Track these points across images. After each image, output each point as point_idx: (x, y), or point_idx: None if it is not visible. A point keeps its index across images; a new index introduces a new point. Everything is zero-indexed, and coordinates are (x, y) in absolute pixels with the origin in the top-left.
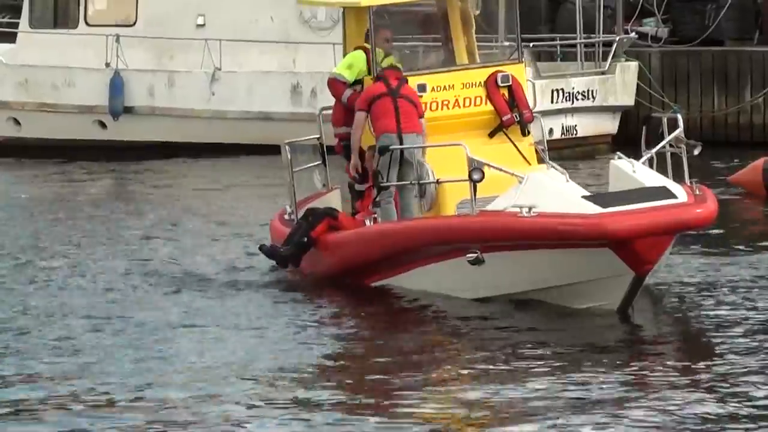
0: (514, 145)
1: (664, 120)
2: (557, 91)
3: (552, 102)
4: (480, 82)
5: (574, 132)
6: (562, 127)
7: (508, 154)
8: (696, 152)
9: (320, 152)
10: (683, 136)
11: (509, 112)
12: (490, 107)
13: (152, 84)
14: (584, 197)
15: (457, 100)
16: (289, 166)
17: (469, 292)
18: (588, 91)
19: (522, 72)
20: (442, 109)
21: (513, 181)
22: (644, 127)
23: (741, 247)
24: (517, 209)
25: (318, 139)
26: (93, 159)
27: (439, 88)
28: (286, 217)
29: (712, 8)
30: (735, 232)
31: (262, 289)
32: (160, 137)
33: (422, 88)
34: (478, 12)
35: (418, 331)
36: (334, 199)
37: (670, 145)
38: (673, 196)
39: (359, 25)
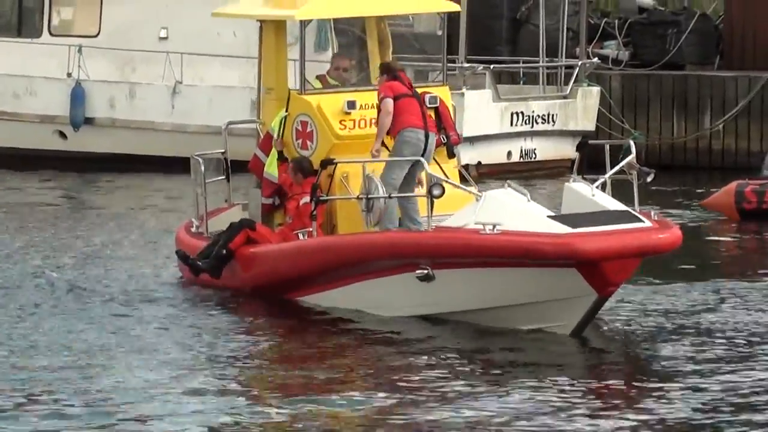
0: (440, 167)
1: (630, 145)
2: (517, 114)
3: (512, 125)
4: None
5: (533, 155)
6: (521, 151)
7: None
8: (649, 179)
9: (224, 167)
10: (635, 162)
11: (436, 133)
12: None
13: (113, 95)
14: (550, 217)
15: None
16: (198, 178)
17: (414, 309)
18: (548, 114)
19: (447, 94)
20: (370, 127)
21: (449, 203)
22: (578, 154)
23: (707, 272)
24: (480, 226)
25: (223, 153)
26: (52, 169)
27: (367, 106)
28: (193, 229)
29: (673, 32)
30: (701, 256)
31: (174, 303)
32: (121, 149)
33: (352, 105)
34: (440, 33)
35: (354, 350)
36: (236, 215)
37: (623, 171)
38: (639, 220)
39: (278, 39)
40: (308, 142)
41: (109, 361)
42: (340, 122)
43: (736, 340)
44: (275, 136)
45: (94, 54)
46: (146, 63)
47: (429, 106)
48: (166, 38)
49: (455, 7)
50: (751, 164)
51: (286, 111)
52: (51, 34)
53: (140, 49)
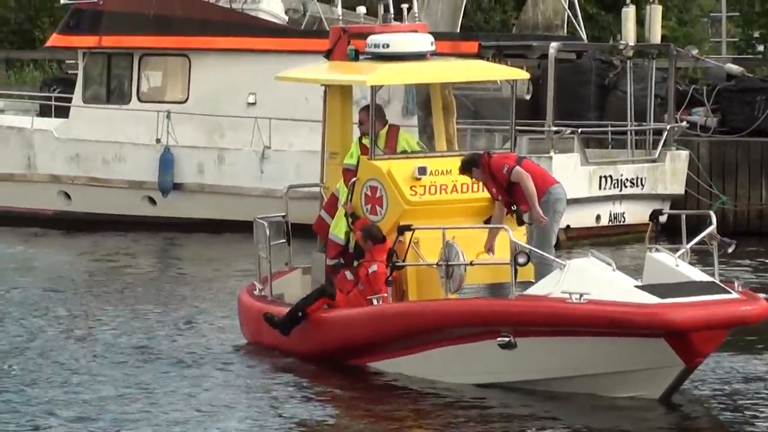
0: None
1: (711, 215)
2: (605, 177)
3: (600, 188)
4: None
5: (622, 219)
6: (610, 214)
7: (502, 243)
8: (730, 250)
9: (285, 230)
10: (716, 233)
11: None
12: (486, 194)
13: (202, 161)
14: (637, 287)
15: (455, 185)
16: (262, 241)
17: (493, 376)
18: (637, 178)
19: None
20: (440, 193)
21: (506, 269)
22: (652, 222)
23: None
24: (566, 295)
25: (284, 216)
26: (141, 234)
27: (437, 172)
28: (256, 292)
29: (761, 99)
30: None
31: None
32: (210, 215)
33: (423, 171)
34: (528, 96)
35: (428, 419)
36: (297, 278)
37: (704, 242)
38: (725, 291)
39: (344, 103)
40: (378, 208)
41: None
42: (411, 188)
43: None
44: (341, 198)
45: (183, 120)
46: (234, 129)
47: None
48: (254, 104)
49: (523, 75)
50: None
51: (355, 176)
52: (140, 100)
53: (228, 115)
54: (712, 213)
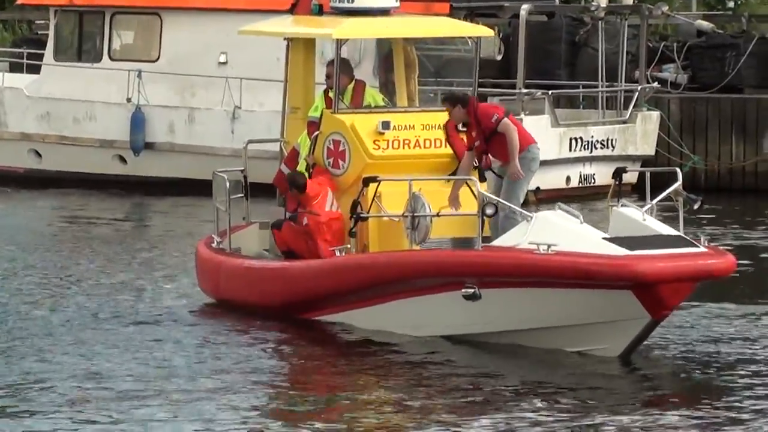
0: (471, 190)
1: (677, 171)
2: (576, 139)
3: (570, 150)
4: (440, 125)
5: (592, 181)
6: (580, 176)
7: (465, 199)
8: (696, 207)
9: (243, 185)
10: (682, 189)
11: None
12: (449, 150)
13: (173, 120)
14: (605, 239)
15: (417, 140)
16: (221, 195)
17: (457, 328)
18: (607, 140)
19: None
20: (403, 147)
21: (469, 224)
22: (614, 179)
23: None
24: (533, 246)
25: (242, 171)
26: (112, 193)
27: (401, 127)
28: (214, 245)
29: (732, 56)
30: (760, 282)
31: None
32: (180, 174)
33: (386, 125)
34: (500, 57)
35: (390, 372)
36: (254, 233)
37: (669, 198)
38: (693, 245)
39: (307, 58)
40: (340, 161)
41: (130, 383)
42: (374, 142)
43: None
44: (302, 151)
45: (154, 79)
46: (206, 88)
47: (461, 129)
48: (225, 63)
49: (488, 32)
50: None
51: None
52: (111, 58)
53: (200, 74)
54: (677, 169)
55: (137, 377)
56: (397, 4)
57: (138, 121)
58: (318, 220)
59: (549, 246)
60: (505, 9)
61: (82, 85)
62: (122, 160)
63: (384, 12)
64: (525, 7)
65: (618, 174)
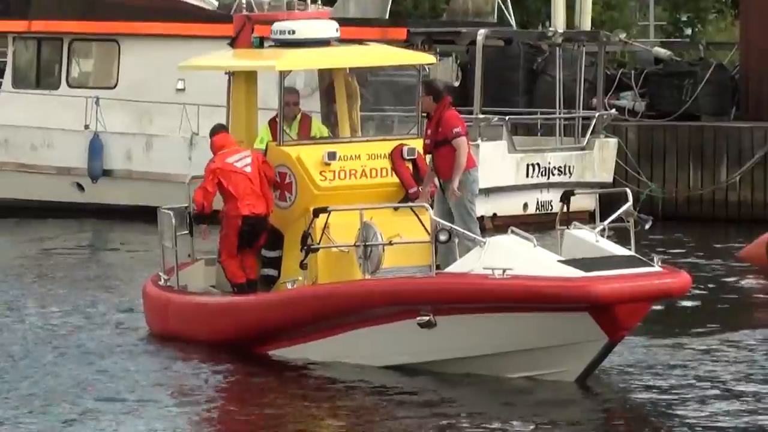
0: (418, 218)
1: (627, 193)
2: (533, 165)
3: (527, 176)
4: (385, 154)
5: (550, 207)
6: (537, 202)
7: (412, 226)
8: (647, 226)
9: (187, 221)
10: (632, 209)
11: (415, 185)
12: (395, 179)
13: (130, 147)
14: (561, 261)
15: (364, 170)
16: (167, 231)
17: (412, 357)
18: (565, 166)
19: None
20: (350, 178)
21: (421, 253)
22: (562, 203)
23: (723, 323)
24: (488, 271)
25: (186, 207)
26: (69, 221)
27: (347, 158)
28: (161, 282)
29: (689, 83)
30: (715, 306)
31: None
32: (138, 201)
33: (332, 156)
34: (457, 83)
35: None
36: (200, 270)
37: (621, 220)
38: (647, 265)
39: (249, 91)
40: (287, 194)
41: (72, 410)
42: (321, 173)
43: (746, 393)
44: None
45: (112, 106)
46: (163, 115)
47: (407, 158)
48: (183, 90)
49: (430, 59)
50: (767, 215)
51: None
52: (69, 85)
53: (157, 101)
54: (627, 190)
55: (75, 406)
56: (338, 34)
57: (96, 148)
58: (210, 167)
59: (504, 270)
60: (463, 35)
61: (40, 113)
62: (80, 187)
63: (324, 43)
64: (482, 32)
65: (566, 197)
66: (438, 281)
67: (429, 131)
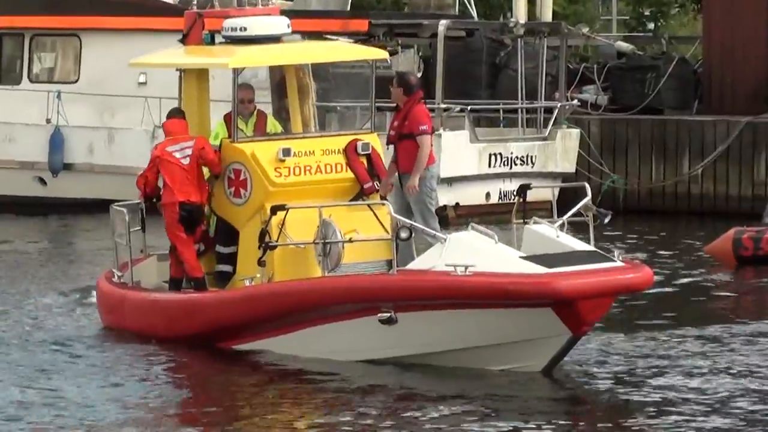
0: (374, 213)
1: (585, 186)
2: (495, 155)
3: (490, 166)
4: (340, 149)
5: (512, 197)
6: (500, 192)
7: (368, 222)
8: (606, 221)
9: (140, 217)
10: (591, 204)
11: (370, 180)
12: (350, 174)
13: (92, 141)
14: (523, 258)
15: (318, 165)
16: (119, 228)
17: (374, 353)
18: (527, 156)
19: (378, 141)
20: (305, 174)
21: (379, 249)
22: (518, 196)
23: (686, 317)
24: (450, 268)
25: (139, 203)
26: (31, 215)
27: (301, 153)
28: (115, 279)
29: (651, 77)
30: (678, 301)
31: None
32: (100, 194)
33: (287, 152)
34: (419, 75)
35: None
36: (152, 266)
37: (580, 214)
38: (609, 260)
39: (201, 88)
40: (242, 190)
41: (25, 411)
42: (275, 169)
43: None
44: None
45: (74, 100)
46: (125, 108)
47: (361, 153)
48: (144, 83)
49: (382, 54)
50: (729, 209)
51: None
52: (31, 80)
53: (119, 95)
54: (586, 184)
55: (24, 404)
56: (289, 29)
57: (57, 142)
58: (152, 154)
59: (466, 267)
60: (424, 27)
61: (2, 108)
62: (42, 181)
63: (276, 39)
64: (443, 23)
65: (522, 191)
66: (400, 278)
67: (396, 123)
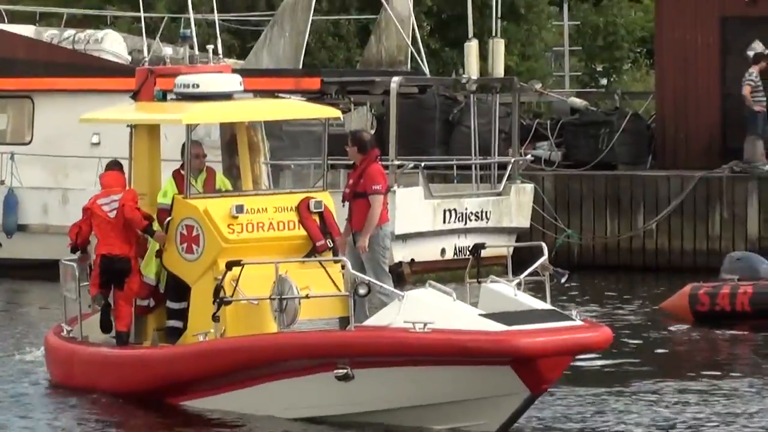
0: (326, 271)
1: (542, 246)
2: (450, 211)
3: (444, 222)
4: (292, 207)
5: (467, 253)
6: (455, 248)
7: (320, 280)
8: (563, 280)
9: (88, 272)
10: (548, 263)
11: (322, 238)
12: (303, 232)
13: (46, 201)
14: (482, 315)
15: (271, 223)
16: (69, 283)
17: (328, 409)
18: (482, 211)
19: (330, 199)
20: (258, 230)
21: (332, 306)
22: (473, 255)
23: (645, 375)
24: (409, 325)
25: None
26: None
27: (254, 210)
28: (64, 333)
29: (605, 133)
30: (632, 357)
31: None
32: (55, 255)
33: (240, 209)
34: (372, 132)
35: None
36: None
37: (537, 273)
38: (568, 319)
39: (152, 144)
40: (194, 246)
41: None
42: (228, 226)
43: None
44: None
45: (27, 161)
46: (79, 169)
47: (314, 210)
48: (97, 144)
49: (334, 113)
50: (684, 264)
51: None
52: None
53: (72, 155)
54: (543, 244)
55: None
56: (241, 87)
57: (11, 203)
58: (84, 206)
59: (425, 324)
60: (377, 84)
61: None
62: None
63: (227, 96)
64: (395, 80)
65: (476, 250)
66: (358, 334)
67: (351, 181)
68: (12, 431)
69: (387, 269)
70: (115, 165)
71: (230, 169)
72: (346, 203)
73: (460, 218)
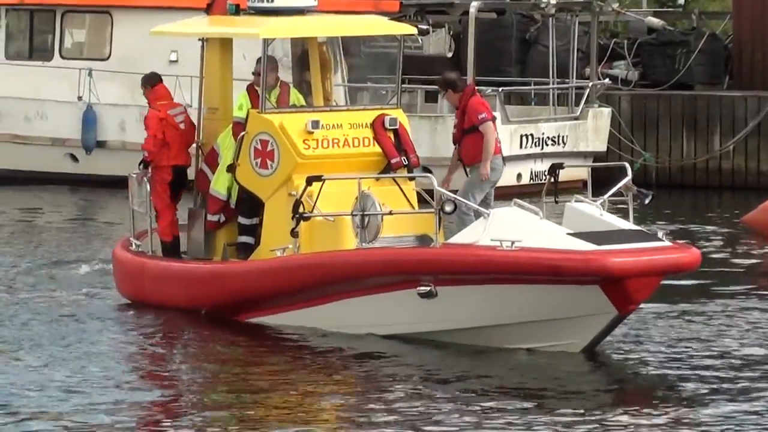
0: (400, 189)
1: (626, 166)
2: (526, 136)
3: (521, 147)
4: (367, 123)
5: (543, 177)
6: (531, 173)
7: (394, 197)
8: (647, 201)
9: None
10: (632, 184)
11: (397, 155)
12: (378, 149)
13: (124, 118)
14: (570, 234)
15: (346, 139)
16: (141, 196)
17: (413, 326)
18: (558, 136)
19: (404, 117)
20: (333, 147)
21: (410, 223)
22: (550, 176)
23: (727, 292)
24: (496, 243)
25: None
26: (63, 191)
27: (329, 126)
28: (132, 247)
29: (682, 53)
30: (720, 277)
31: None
32: (132, 172)
33: (315, 124)
34: (450, 54)
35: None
36: None
37: (620, 193)
38: (656, 239)
39: (224, 58)
40: (269, 161)
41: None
42: (304, 141)
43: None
44: (221, 152)
45: (105, 77)
46: None
47: (389, 128)
48: (176, 61)
49: (410, 30)
50: (760, 184)
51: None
52: (62, 57)
53: None
54: (626, 164)
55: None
56: (315, 3)
57: (89, 119)
58: (157, 115)
59: (513, 242)
60: (455, 6)
61: (33, 84)
62: (74, 158)
63: (300, 12)
64: (475, 4)
65: (554, 169)
66: (445, 251)
67: (456, 121)
68: (84, 345)
69: (477, 196)
70: (159, 77)
71: (300, 84)
72: (456, 145)
73: (537, 143)
